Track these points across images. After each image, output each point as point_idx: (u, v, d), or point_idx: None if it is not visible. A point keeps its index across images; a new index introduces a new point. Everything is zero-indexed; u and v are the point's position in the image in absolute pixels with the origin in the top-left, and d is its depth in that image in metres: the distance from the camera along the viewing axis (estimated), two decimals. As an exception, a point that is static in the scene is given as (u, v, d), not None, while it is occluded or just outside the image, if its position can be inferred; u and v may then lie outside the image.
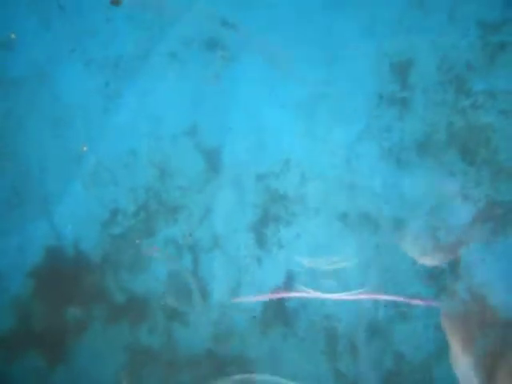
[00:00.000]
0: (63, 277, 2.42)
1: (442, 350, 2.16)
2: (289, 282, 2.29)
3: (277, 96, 2.31)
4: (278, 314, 2.29)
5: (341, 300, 2.23)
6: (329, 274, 2.25)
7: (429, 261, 2.19)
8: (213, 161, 2.35)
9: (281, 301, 2.29)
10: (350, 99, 2.27)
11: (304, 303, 2.27)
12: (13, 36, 2.45)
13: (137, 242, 2.37)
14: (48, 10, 2.44)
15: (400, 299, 2.20)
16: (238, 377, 2.28)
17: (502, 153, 2.16)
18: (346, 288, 2.24)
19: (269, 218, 2.31)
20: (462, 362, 2.14)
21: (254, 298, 2.30)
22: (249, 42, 2.34)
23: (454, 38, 2.21)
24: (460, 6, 2.20)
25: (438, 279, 2.19)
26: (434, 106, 2.21)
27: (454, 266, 2.18)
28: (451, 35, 2.21)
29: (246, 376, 2.27)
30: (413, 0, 2.25)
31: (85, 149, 2.42)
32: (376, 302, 2.22)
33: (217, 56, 2.35)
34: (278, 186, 2.30)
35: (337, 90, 2.28)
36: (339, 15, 2.28)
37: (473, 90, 2.19)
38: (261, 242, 2.31)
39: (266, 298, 2.30)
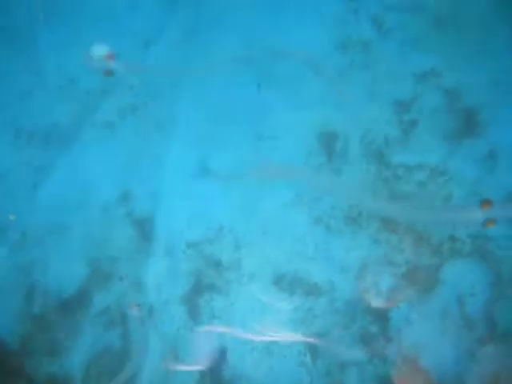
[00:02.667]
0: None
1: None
2: (222, 354, 2.26)
3: (209, 166, 2.38)
4: (213, 385, 2.28)
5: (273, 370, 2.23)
6: (261, 345, 2.25)
7: (359, 323, 2.23)
8: (144, 229, 2.36)
9: (214, 373, 2.25)
10: (280, 169, 2.32)
11: (238, 374, 2.24)
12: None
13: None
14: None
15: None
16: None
17: (423, 217, 2.25)
18: (278, 356, 2.23)
19: (202, 286, 2.32)
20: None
21: (187, 368, 2.27)
22: (179, 116, 2.44)
23: (373, 114, 2.36)
24: (378, 84, 2.37)
25: (369, 343, 2.21)
26: (359, 176, 2.32)
27: (384, 329, 2.22)
28: (371, 111, 2.36)
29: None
30: (332, 75, 2.39)
31: (12, 218, 2.39)
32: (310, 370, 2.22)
33: (151, 128, 2.43)
34: (212, 252, 2.32)
35: (267, 161, 2.34)
36: (268, 90, 2.40)
37: (392, 163, 2.31)
38: (194, 313, 2.30)
39: (199, 368, 2.26)
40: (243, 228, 2.33)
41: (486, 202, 1.97)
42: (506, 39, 2.33)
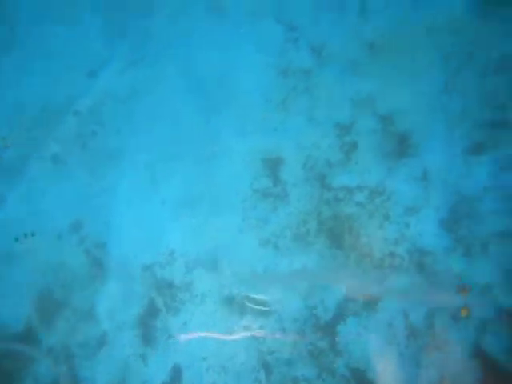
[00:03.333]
0: None
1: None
2: (176, 376, 2.30)
3: (159, 191, 2.42)
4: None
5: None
6: (216, 364, 2.29)
7: (308, 339, 2.29)
8: (97, 256, 2.38)
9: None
10: (228, 194, 2.41)
11: None
12: None
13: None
14: None
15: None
16: None
17: (363, 238, 2.35)
18: (233, 373, 2.28)
19: (155, 308, 2.35)
20: None
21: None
22: (128, 145, 2.47)
23: (315, 138, 2.43)
24: (318, 109, 2.44)
25: (318, 358, 2.28)
26: (304, 198, 2.39)
27: (332, 344, 2.29)
28: (312, 135, 2.43)
29: None
30: (275, 102, 2.45)
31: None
32: None
33: (101, 157, 2.45)
34: (165, 275, 2.36)
35: (215, 186, 2.41)
36: (215, 117, 2.46)
37: (333, 185, 2.39)
38: (147, 336, 2.33)
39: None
40: (194, 251, 2.37)
41: (462, 288, 2.09)
42: (435, 67, 2.42)
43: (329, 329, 2.32)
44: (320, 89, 2.47)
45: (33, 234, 2.25)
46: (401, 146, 2.42)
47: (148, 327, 2.33)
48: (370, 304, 2.32)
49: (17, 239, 2.23)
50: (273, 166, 2.42)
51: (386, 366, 2.27)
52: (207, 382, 2.29)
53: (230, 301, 2.35)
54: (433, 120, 2.43)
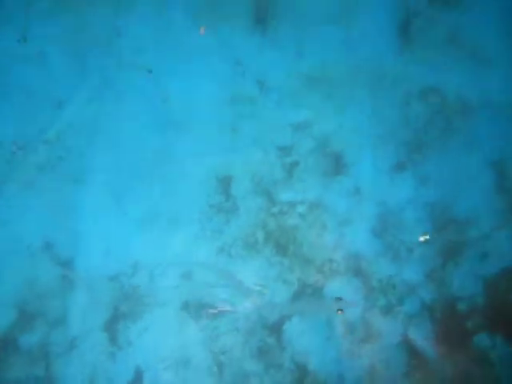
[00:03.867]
0: None
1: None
2: (138, 377, 2.37)
3: (122, 208, 2.49)
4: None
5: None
6: (174, 363, 2.38)
7: (258, 337, 2.39)
8: (67, 269, 2.43)
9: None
10: (186, 209, 2.50)
11: None
12: None
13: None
14: None
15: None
16: None
17: (305, 247, 2.48)
18: (190, 370, 2.38)
19: (120, 314, 2.41)
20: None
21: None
22: (92, 167, 2.53)
23: (260, 158, 2.54)
24: (262, 133, 2.57)
25: (266, 354, 2.39)
26: (251, 212, 2.50)
27: (279, 341, 2.40)
28: (257, 156, 2.55)
29: None
30: (224, 124, 2.57)
31: None
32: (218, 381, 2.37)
33: (67, 180, 2.53)
34: (129, 284, 2.42)
35: (174, 203, 2.50)
36: (173, 140, 2.56)
37: (278, 200, 2.50)
38: (113, 339, 2.38)
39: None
40: (156, 264, 2.45)
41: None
42: (364, 97, 2.59)
43: (276, 327, 2.42)
44: (264, 115, 2.57)
45: None
46: (336, 165, 2.54)
47: (114, 331, 2.38)
48: (313, 304, 2.44)
49: None
50: (225, 183, 2.49)
51: (325, 358, 2.39)
52: (166, 380, 2.38)
53: (186, 306, 2.43)
54: (362, 142, 2.56)
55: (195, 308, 2.45)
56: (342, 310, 2.39)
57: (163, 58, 2.60)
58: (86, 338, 2.40)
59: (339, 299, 2.42)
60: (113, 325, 2.42)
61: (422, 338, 2.41)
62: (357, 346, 2.40)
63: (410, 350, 2.40)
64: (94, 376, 2.37)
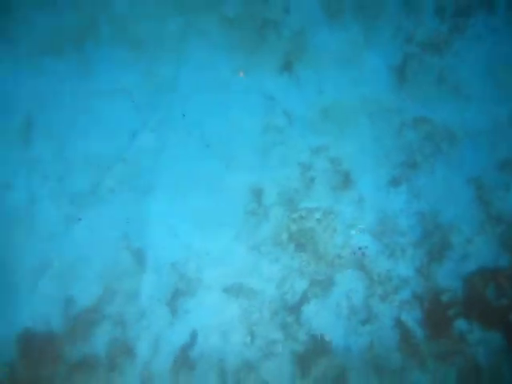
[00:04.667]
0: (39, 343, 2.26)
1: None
2: (192, 340, 2.24)
3: (179, 212, 2.31)
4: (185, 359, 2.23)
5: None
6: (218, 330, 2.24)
7: (281, 316, 2.23)
8: (139, 256, 2.29)
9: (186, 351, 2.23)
10: (227, 215, 2.31)
11: (202, 352, 2.22)
12: None
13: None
14: None
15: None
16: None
17: (320, 245, 2.28)
18: (230, 337, 2.23)
19: (178, 293, 2.26)
20: None
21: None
22: (157, 183, 2.36)
23: (285, 174, 2.34)
24: (288, 154, 2.35)
25: (287, 328, 2.22)
26: (278, 217, 2.30)
27: (297, 319, 2.23)
28: (283, 173, 2.34)
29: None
30: (257, 148, 2.36)
31: None
32: (250, 347, 2.20)
33: (139, 191, 2.34)
34: (184, 271, 2.28)
35: (218, 209, 2.31)
36: (218, 162, 2.35)
37: (298, 208, 2.31)
38: (174, 311, 2.25)
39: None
40: (204, 256, 2.29)
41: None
42: (366, 125, 2.36)
43: (295, 308, 2.25)
44: (289, 140, 2.36)
45: None
46: (344, 181, 2.33)
47: (174, 305, 2.25)
48: (325, 291, 2.24)
49: None
50: (257, 194, 2.31)
51: (335, 334, 2.21)
52: (213, 342, 2.23)
53: (227, 289, 2.27)
54: (366, 162, 2.34)
55: (234, 291, 2.29)
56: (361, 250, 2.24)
57: (213, 96, 2.41)
58: (152, 310, 2.26)
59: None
60: (173, 300, 2.27)
61: (412, 321, 2.22)
62: (359, 325, 2.23)
63: (402, 330, 2.22)
64: (159, 339, 2.24)
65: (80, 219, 2.33)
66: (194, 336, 2.24)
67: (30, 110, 2.38)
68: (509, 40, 2.35)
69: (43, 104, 2.38)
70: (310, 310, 2.24)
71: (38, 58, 2.40)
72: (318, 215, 2.31)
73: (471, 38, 2.38)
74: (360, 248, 2.27)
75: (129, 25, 2.43)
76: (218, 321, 2.25)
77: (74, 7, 2.42)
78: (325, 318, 2.23)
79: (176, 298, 2.27)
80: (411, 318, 2.22)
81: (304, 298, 2.25)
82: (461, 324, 2.21)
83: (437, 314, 2.21)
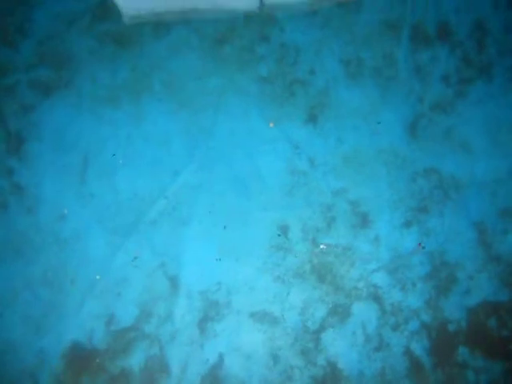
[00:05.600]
0: (83, 356, 2.47)
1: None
2: (220, 360, 2.40)
3: (212, 243, 2.52)
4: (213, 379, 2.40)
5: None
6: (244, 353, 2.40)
7: (300, 342, 2.39)
8: (174, 282, 2.49)
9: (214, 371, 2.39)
10: (254, 248, 2.52)
11: (228, 373, 2.38)
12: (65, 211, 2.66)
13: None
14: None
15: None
16: None
17: (338, 278, 2.47)
18: (255, 361, 2.39)
19: (208, 317, 2.45)
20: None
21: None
22: (193, 216, 2.60)
23: (309, 214, 2.53)
24: (312, 196, 2.56)
25: (307, 354, 2.38)
26: (302, 251, 2.50)
27: (316, 345, 2.40)
28: (307, 212, 2.53)
29: None
30: (285, 190, 2.56)
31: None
32: (272, 369, 2.36)
33: (178, 223, 2.59)
34: (214, 297, 2.47)
35: (247, 242, 2.52)
36: (248, 200, 2.57)
37: (320, 243, 2.50)
38: (203, 333, 2.43)
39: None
40: (233, 285, 2.48)
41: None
42: (382, 173, 2.57)
43: (315, 335, 2.41)
44: (313, 183, 2.58)
45: None
46: (362, 221, 2.53)
47: (203, 328, 2.42)
48: (342, 319, 2.41)
49: None
50: (283, 230, 2.52)
51: (350, 360, 2.35)
52: (238, 364, 2.38)
53: (253, 315, 2.45)
54: (382, 205, 2.54)
55: (259, 317, 2.46)
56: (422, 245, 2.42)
57: (246, 143, 2.66)
58: (184, 331, 2.45)
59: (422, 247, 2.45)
60: (202, 324, 2.46)
61: (420, 349, 2.37)
62: (372, 352, 2.38)
63: (411, 358, 2.36)
64: (189, 358, 2.42)
65: (136, 257, 2.56)
66: (221, 357, 2.41)
67: (87, 152, 2.70)
68: (505, 105, 2.60)
69: (100, 147, 2.71)
70: (328, 337, 2.41)
71: (99, 108, 2.76)
72: (337, 251, 2.52)
73: (472, 102, 2.65)
74: (420, 244, 2.43)
75: (177, 82, 2.78)
76: (243, 344, 2.43)
77: (133, 67, 2.77)
78: (341, 345, 2.39)
79: (205, 321, 2.46)
80: (419, 347, 2.38)
81: (323, 326, 2.42)
82: (464, 352, 2.36)
83: (443, 343, 2.36)
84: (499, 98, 2.64)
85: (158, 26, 2.81)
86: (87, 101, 2.75)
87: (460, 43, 2.73)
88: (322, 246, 2.50)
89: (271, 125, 2.69)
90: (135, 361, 2.43)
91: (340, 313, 2.43)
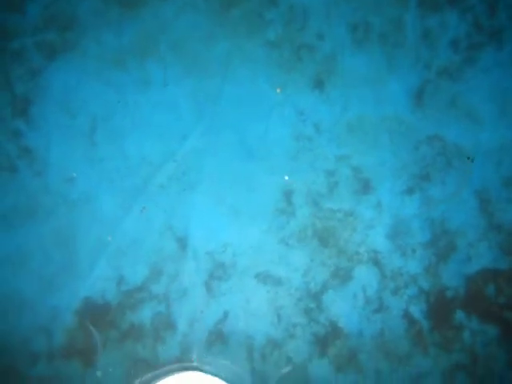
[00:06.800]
0: (95, 313, 2.49)
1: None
2: (225, 316, 2.42)
3: (219, 207, 2.50)
4: (218, 335, 2.42)
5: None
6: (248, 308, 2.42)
7: (304, 301, 2.41)
8: (182, 243, 2.48)
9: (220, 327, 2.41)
10: (259, 211, 2.50)
11: (233, 329, 2.42)
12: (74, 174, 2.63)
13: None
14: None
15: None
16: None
17: (340, 242, 2.45)
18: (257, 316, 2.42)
19: (214, 277, 2.46)
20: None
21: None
22: (202, 180, 2.56)
23: (312, 179, 2.52)
24: (316, 161, 2.52)
25: (309, 313, 2.40)
26: (305, 215, 2.48)
27: (318, 305, 2.41)
28: (311, 177, 2.51)
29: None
30: (289, 155, 2.52)
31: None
32: (276, 326, 2.38)
33: (186, 187, 2.55)
34: (220, 258, 2.47)
35: (252, 206, 2.49)
36: (254, 165, 2.54)
37: (323, 208, 2.47)
38: (210, 292, 2.44)
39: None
40: (238, 247, 2.48)
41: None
42: (385, 141, 2.51)
43: (317, 296, 2.42)
44: (317, 149, 2.52)
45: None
46: (364, 187, 2.49)
47: (210, 287, 2.44)
48: (343, 282, 2.41)
49: None
50: (287, 195, 2.48)
51: (350, 319, 2.38)
52: (243, 320, 2.41)
53: (258, 275, 2.45)
54: (384, 172, 2.49)
55: (263, 277, 2.46)
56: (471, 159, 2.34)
57: (252, 109, 2.60)
58: (192, 290, 2.45)
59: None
60: (209, 283, 2.46)
61: (418, 313, 2.39)
62: (372, 314, 2.39)
63: (410, 320, 2.38)
64: (196, 314, 2.44)
65: (144, 208, 2.54)
66: (226, 314, 2.42)
67: (95, 115, 2.61)
68: (513, 74, 2.50)
69: (107, 111, 2.62)
70: (329, 298, 2.41)
71: (105, 71, 2.63)
72: (339, 215, 2.48)
73: (481, 69, 2.53)
74: (469, 157, 2.38)
75: (183, 46, 2.65)
76: (248, 303, 2.44)
77: (138, 28, 2.67)
78: (342, 306, 2.40)
79: (212, 281, 2.46)
80: (418, 310, 2.38)
81: (325, 288, 2.43)
82: (461, 316, 2.36)
83: (440, 307, 2.36)
84: (508, 66, 2.54)
85: (164, -14, 2.69)
86: (93, 64, 2.64)
87: (471, 7, 2.60)
88: (286, 178, 2.46)
89: (278, 90, 2.59)
90: (145, 318, 2.44)
91: (341, 276, 2.42)
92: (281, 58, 2.62)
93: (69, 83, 2.65)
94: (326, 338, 2.39)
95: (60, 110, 2.64)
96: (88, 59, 2.65)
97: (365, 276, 2.43)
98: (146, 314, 2.46)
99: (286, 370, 2.34)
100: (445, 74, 2.55)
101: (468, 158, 2.40)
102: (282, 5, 2.64)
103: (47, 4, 2.69)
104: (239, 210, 2.52)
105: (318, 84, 2.59)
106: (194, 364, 2.41)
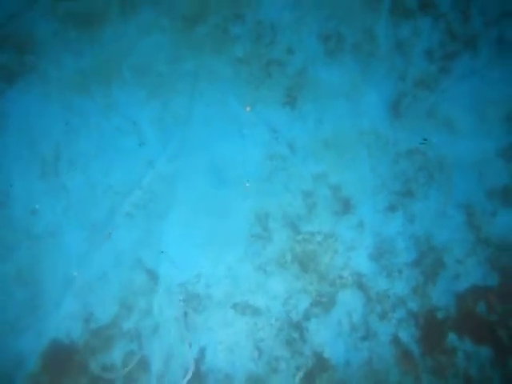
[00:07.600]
0: (61, 355, 2.31)
1: None
2: (201, 354, 2.26)
3: (190, 235, 2.35)
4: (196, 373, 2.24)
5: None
6: (226, 344, 2.26)
7: (286, 332, 2.23)
8: (153, 275, 2.33)
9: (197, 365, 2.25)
10: (234, 237, 2.35)
11: (211, 367, 2.24)
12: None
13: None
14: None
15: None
16: None
17: (321, 266, 2.31)
18: (239, 352, 2.24)
19: (188, 310, 2.30)
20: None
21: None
22: (172, 207, 2.41)
23: (288, 200, 2.38)
24: (290, 181, 2.39)
25: (292, 345, 2.24)
26: (283, 239, 2.33)
27: (301, 335, 2.25)
28: (287, 198, 2.37)
29: None
30: (263, 176, 2.38)
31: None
32: (258, 364, 2.21)
33: (154, 215, 2.41)
34: (194, 289, 2.31)
35: (226, 232, 2.35)
36: (226, 189, 2.39)
37: (301, 231, 2.34)
38: (184, 326, 2.28)
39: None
40: (213, 276, 2.33)
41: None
42: (364, 155, 2.40)
43: (299, 325, 2.26)
44: (292, 169, 2.40)
45: None
46: (344, 206, 2.36)
47: (184, 322, 2.28)
48: (327, 309, 2.26)
49: None
50: (263, 218, 2.34)
51: (336, 349, 2.21)
52: (221, 357, 2.24)
53: (235, 306, 2.29)
54: (364, 190, 2.37)
55: (241, 308, 2.31)
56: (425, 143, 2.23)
57: (221, 131, 2.48)
58: (165, 325, 2.29)
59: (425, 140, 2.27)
60: (183, 317, 2.30)
61: (408, 337, 2.23)
62: (359, 341, 2.23)
63: (399, 346, 2.23)
64: (170, 352, 2.27)
65: (110, 233, 2.39)
66: (203, 351, 2.25)
67: (58, 142, 2.47)
68: (491, 80, 2.40)
69: (71, 137, 2.48)
70: (312, 327, 2.25)
71: (67, 95, 2.50)
72: (319, 238, 2.34)
73: (457, 78, 2.44)
74: (425, 139, 2.28)
75: (148, 68, 2.53)
76: (226, 337, 2.27)
77: (98, 51, 2.53)
78: (327, 335, 2.24)
79: (185, 315, 2.30)
80: (407, 335, 2.23)
81: (307, 316, 2.27)
82: (453, 339, 2.22)
83: (431, 330, 2.22)
84: (485, 73, 2.43)
85: (125, 5, 2.57)
86: (54, 88, 2.50)
87: (443, 14, 2.51)
88: (247, 185, 2.32)
89: (248, 109, 2.48)
90: (116, 358, 2.26)
91: (324, 302, 2.28)
92: (250, 75, 2.51)
93: (30, 109, 2.49)
94: (312, 371, 2.23)
95: (21, 137, 2.48)
96: (49, 83, 2.49)
97: (349, 301, 2.28)
98: (116, 354, 2.28)
99: None
100: (421, 84, 2.48)
101: (425, 140, 2.29)
102: (249, 20, 2.52)
103: (2, 23, 2.52)
104: (212, 237, 2.38)
105: (290, 100, 2.50)
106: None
